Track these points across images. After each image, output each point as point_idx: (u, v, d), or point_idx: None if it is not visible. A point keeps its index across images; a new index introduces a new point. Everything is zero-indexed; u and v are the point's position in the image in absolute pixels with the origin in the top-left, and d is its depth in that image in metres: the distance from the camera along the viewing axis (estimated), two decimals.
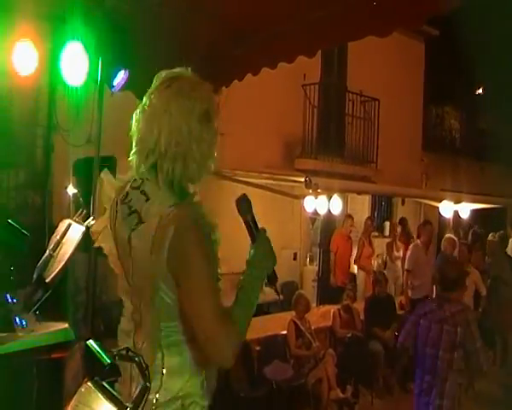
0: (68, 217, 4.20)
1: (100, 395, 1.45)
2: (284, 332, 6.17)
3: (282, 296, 6.04)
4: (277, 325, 6.30)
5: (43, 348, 2.88)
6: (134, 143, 1.72)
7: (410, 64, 12.49)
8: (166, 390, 1.66)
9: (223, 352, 1.59)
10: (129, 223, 1.69)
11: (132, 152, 1.73)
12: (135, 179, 1.73)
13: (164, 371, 1.66)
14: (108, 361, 1.38)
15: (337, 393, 6.01)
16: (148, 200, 1.67)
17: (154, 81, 1.74)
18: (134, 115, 1.73)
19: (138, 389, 1.42)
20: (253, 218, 1.77)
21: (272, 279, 1.78)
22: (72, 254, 3.18)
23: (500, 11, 10.65)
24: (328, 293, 9.06)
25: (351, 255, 9.49)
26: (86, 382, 1.56)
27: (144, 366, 1.43)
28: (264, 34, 4.01)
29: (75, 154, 4.87)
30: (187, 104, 1.66)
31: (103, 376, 1.39)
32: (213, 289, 1.61)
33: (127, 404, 1.39)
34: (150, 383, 1.41)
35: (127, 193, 1.73)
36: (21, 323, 2.92)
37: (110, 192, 1.81)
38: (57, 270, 3.14)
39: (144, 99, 1.72)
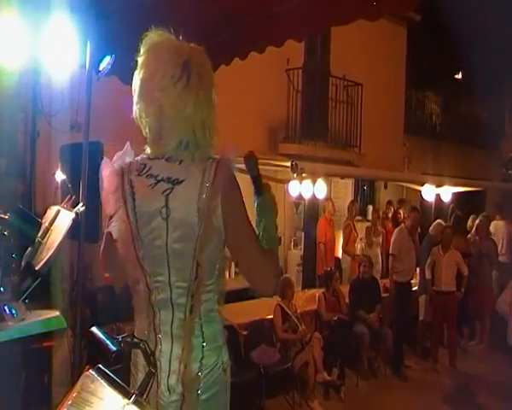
0: (54, 203, 4.15)
1: (103, 382, 1.44)
2: (270, 317, 6.19)
3: None
4: (264, 309, 6.31)
5: (34, 336, 2.85)
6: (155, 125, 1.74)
7: (392, 49, 12.51)
8: (208, 360, 1.71)
9: (271, 281, 1.79)
10: (159, 190, 1.71)
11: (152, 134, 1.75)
12: (145, 156, 1.78)
13: (204, 341, 1.70)
14: (114, 349, 1.36)
15: (323, 376, 6.07)
16: (181, 162, 1.71)
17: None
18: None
19: (144, 375, 1.41)
20: (259, 174, 1.93)
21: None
22: (62, 242, 3.14)
23: None
24: (312, 277, 9.11)
25: (335, 239, 9.53)
26: (88, 369, 1.55)
27: (149, 352, 1.43)
28: (253, 18, 3.97)
29: (59, 139, 4.80)
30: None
31: (110, 363, 1.37)
32: (254, 231, 1.79)
33: (133, 390, 1.38)
34: (156, 369, 1.41)
35: (144, 165, 1.75)
36: (11, 312, 2.87)
37: (111, 177, 1.79)
38: (47, 257, 3.09)
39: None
